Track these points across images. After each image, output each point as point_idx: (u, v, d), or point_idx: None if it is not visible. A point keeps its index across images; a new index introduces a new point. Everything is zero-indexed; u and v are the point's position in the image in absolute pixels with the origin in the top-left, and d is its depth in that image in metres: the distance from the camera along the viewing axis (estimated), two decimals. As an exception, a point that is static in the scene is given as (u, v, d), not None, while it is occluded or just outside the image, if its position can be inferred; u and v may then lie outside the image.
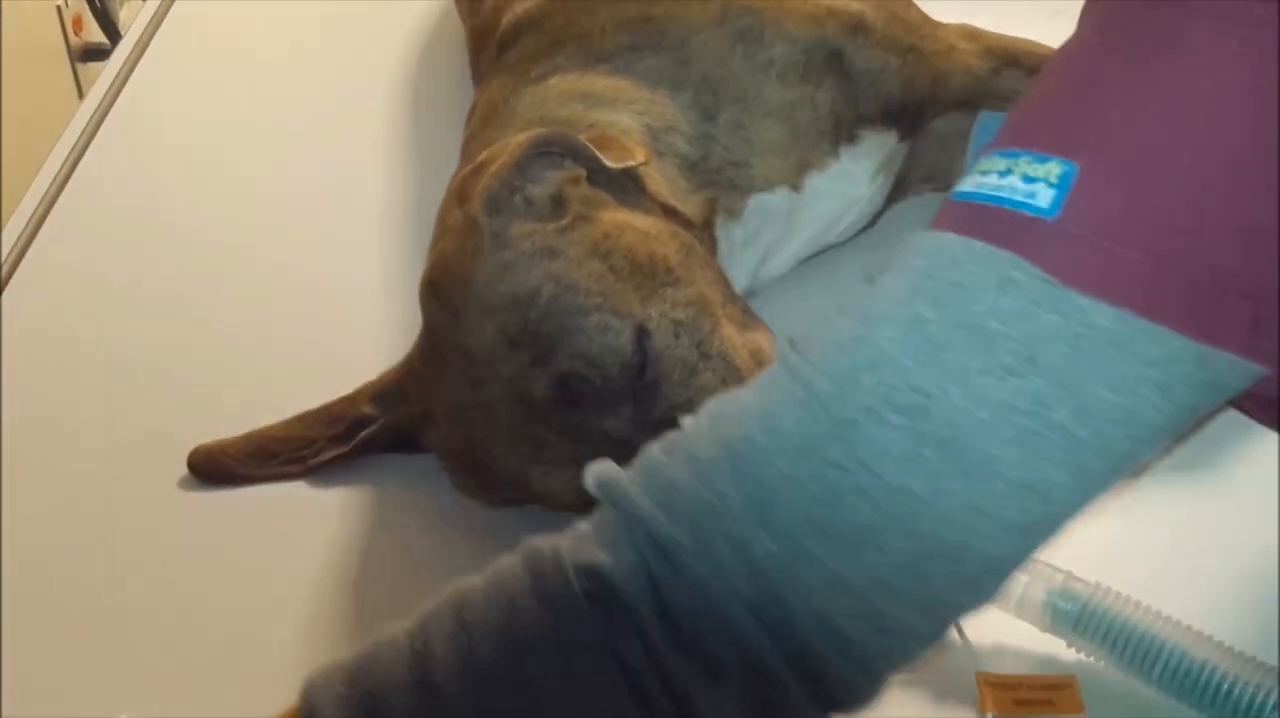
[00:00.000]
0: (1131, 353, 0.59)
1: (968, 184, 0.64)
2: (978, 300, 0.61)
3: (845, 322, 0.64)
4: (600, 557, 0.64)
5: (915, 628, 0.63)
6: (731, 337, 0.90)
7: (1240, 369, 0.61)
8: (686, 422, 0.67)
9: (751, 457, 0.62)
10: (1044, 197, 0.61)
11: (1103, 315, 0.59)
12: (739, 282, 1.02)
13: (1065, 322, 0.59)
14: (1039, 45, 1.17)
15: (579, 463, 0.86)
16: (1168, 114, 0.61)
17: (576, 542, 0.66)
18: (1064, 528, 0.62)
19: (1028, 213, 0.61)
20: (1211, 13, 0.61)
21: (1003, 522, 0.60)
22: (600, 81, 1.04)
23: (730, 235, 1.03)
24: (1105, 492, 0.62)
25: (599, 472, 0.68)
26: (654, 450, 0.67)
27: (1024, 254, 0.60)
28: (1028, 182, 0.61)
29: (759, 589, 0.61)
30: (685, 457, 0.65)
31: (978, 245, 0.61)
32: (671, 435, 0.67)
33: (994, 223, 0.62)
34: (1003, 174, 0.62)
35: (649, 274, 0.89)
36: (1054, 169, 0.61)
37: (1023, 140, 0.64)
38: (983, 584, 0.63)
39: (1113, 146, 0.61)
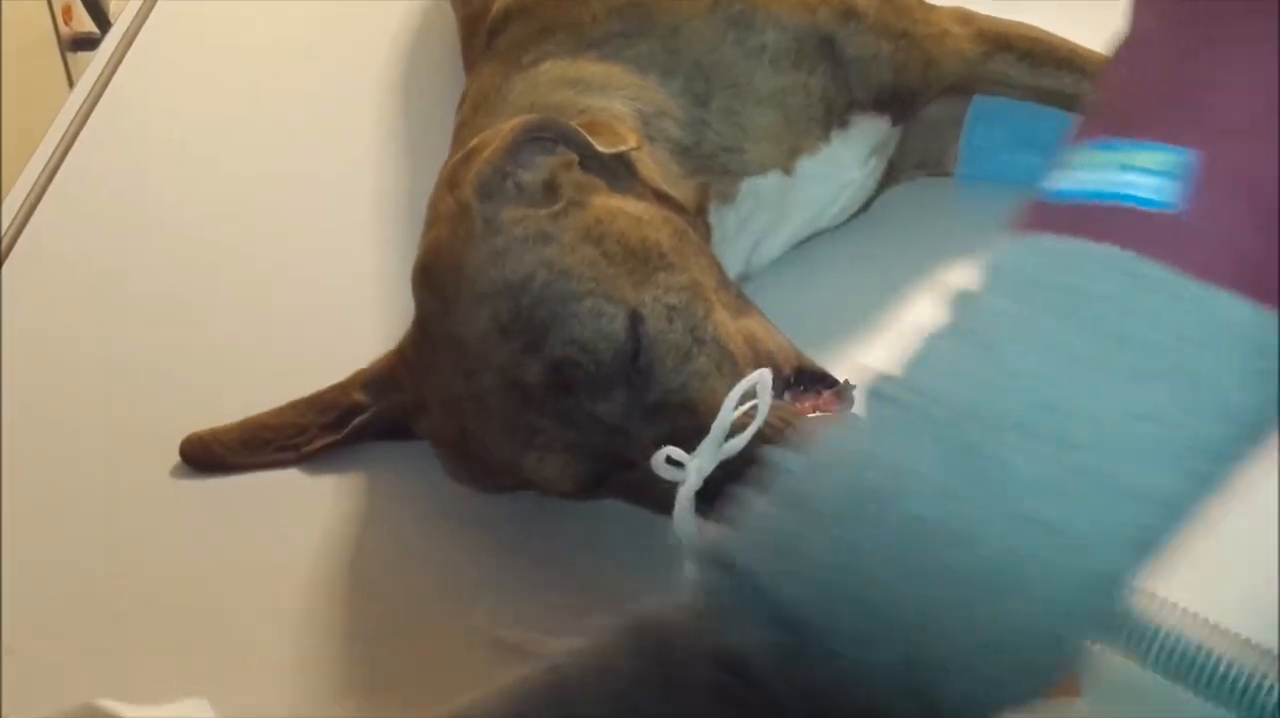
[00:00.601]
0: (1267, 350, 0.55)
1: (1064, 182, 0.59)
2: (1108, 306, 0.56)
3: (955, 346, 0.59)
4: (732, 640, 0.59)
5: (1045, 672, 0.60)
6: (725, 322, 0.89)
7: None
8: (781, 464, 0.63)
9: (881, 509, 0.58)
10: (1160, 189, 0.56)
11: (1239, 311, 0.55)
12: (732, 267, 1.02)
13: (1200, 320, 0.55)
14: (1032, 29, 1.17)
15: (572, 449, 0.87)
16: None
17: (691, 619, 0.61)
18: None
19: (1145, 207, 0.56)
20: None
21: (1133, 541, 0.57)
22: (591, 67, 1.04)
23: (724, 220, 1.03)
24: (1216, 496, 0.59)
25: (698, 534, 0.64)
26: (757, 502, 0.62)
27: (1148, 252, 0.56)
28: (1139, 174, 0.57)
29: (900, 657, 0.57)
30: (799, 512, 0.60)
31: (1095, 247, 0.57)
32: (771, 482, 0.62)
33: (1108, 221, 0.57)
34: (1107, 168, 0.58)
35: (642, 259, 0.88)
36: (1168, 159, 0.56)
37: (1125, 129, 0.58)
38: (1106, 608, 0.60)
39: (1229, 128, 0.56)
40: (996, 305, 0.59)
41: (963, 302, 0.61)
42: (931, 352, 0.61)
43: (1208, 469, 0.57)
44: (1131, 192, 0.57)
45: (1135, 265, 0.56)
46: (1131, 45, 0.63)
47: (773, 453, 0.64)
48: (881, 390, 0.61)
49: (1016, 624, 0.57)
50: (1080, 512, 0.56)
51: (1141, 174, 0.57)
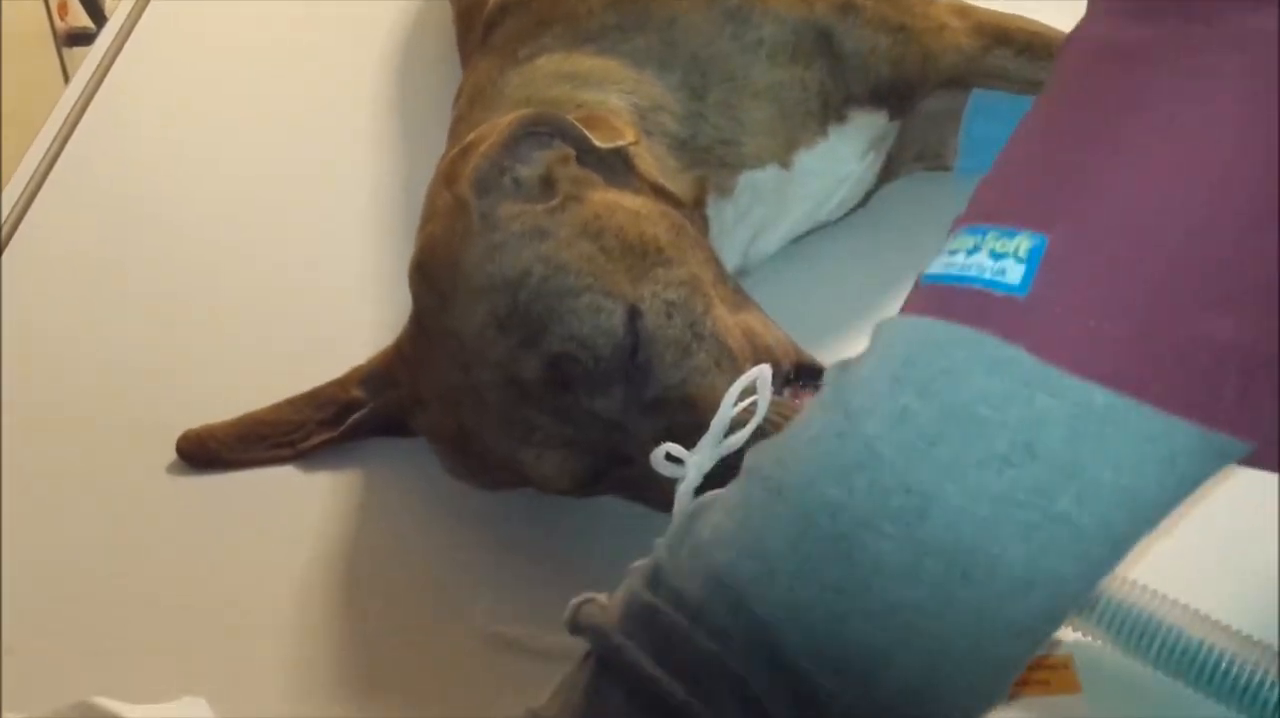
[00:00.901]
0: (1132, 431, 0.56)
1: (937, 266, 0.61)
2: (966, 386, 0.57)
3: (822, 418, 0.60)
4: None
5: None
6: (724, 317, 0.89)
7: (1237, 443, 0.57)
8: (661, 545, 0.63)
9: (745, 591, 0.58)
10: (1013, 273, 0.57)
11: (1097, 394, 0.55)
12: (730, 260, 1.02)
13: (1060, 403, 0.56)
14: (1030, 22, 1.16)
15: (570, 445, 0.87)
16: (1137, 178, 0.57)
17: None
18: (1069, 616, 0.59)
19: (997, 291, 0.57)
20: (1177, 71, 0.58)
21: (1010, 624, 0.57)
22: (587, 62, 1.03)
23: (722, 214, 1.03)
24: (1108, 573, 0.59)
25: (585, 621, 0.63)
26: (638, 587, 0.62)
27: (1001, 334, 0.57)
28: (995, 258, 0.58)
29: None
30: (674, 597, 0.60)
31: (956, 328, 0.58)
32: (652, 565, 0.63)
33: (965, 304, 0.58)
34: (970, 252, 0.59)
35: (640, 254, 0.88)
36: (1022, 243, 0.58)
37: (989, 216, 0.60)
38: (993, 690, 0.60)
39: (1082, 216, 0.58)
40: (870, 380, 0.60)
41: (841, 375, 0.62)
42: (803, 429, 0.61)
43: (1081, 549, 0.57)
44: (986, 275, 0.58)
45: (995, 348, 0.57)
46: (1016, 134, 0.65)
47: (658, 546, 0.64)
48: (753, 468, 0.62)
49: (884, 705, 0.57)
50: (948, 598, 0.56)
51: (997, 258, 0.58)
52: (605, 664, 0.61)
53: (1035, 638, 0.59)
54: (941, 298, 0.59)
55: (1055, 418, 0.56)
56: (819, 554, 0.57)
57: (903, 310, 0.62)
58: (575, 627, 0.63)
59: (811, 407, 0.62)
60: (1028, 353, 0.56)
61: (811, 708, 0.57)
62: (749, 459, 0.63)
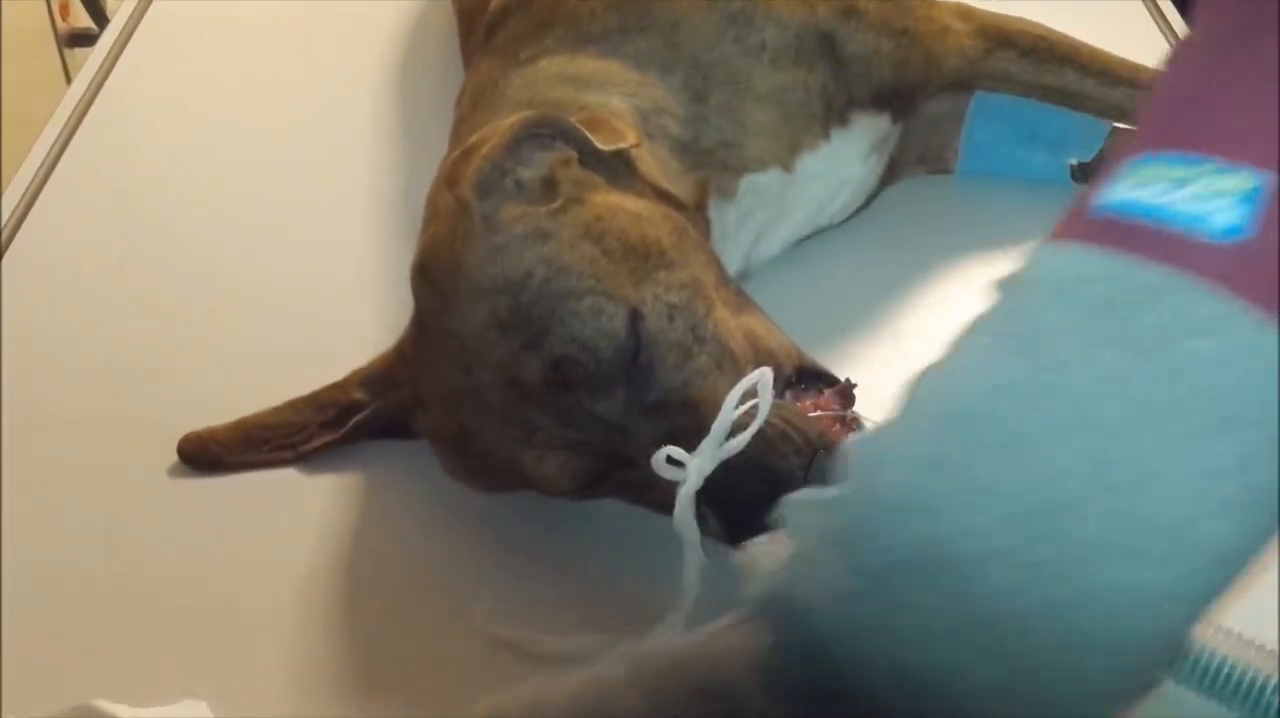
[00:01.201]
0: None
1: (1123, 193, 0.54)
2: (1184, 346, 0.51)
3: (1005, 356, 0.54)
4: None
5: None
6: (726, 320, 0.89)
7: None
8: (836, 495, 0.58)
9: (959, 571, 0.53)
10: (1231, 214, 0.51)
11: None
12: (732, 263, 1.01)
13: (1275, 366, 0.50)
14: (1034, 25, 1.17)
15: (572, 447, 0.87)
16: None
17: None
18: None
19: (1211, 235, 0.51)
20: None
21: (1199, 601, 0.53)
22: (589, 64, 1.03)
23: (724, 216, 1.03)
24: None
25: (793, 599, 0.57)
26: (835, 564, 0.56)
27: (1217, 284, 0.51)
28: (1209, 196, 0.51)
29: None
30: (871, 572, 0.55)
31: (1163, 273, 0.51)
32: (840, 526, 0.57)
33: (1172, 244, 0.52)
34: (1176, 184, 0.52)
35: (642, 257, 0.88)
36: (1243, 182, 0.51)
37: (1194, 143, 0.53)
38: (1160, 672, 0.55)
39: None
40: (1064, 324, 0.54)
41: (1012, 305, 0.56)
42: (983, 374, 0.55)
43: (1266, 521, 0.53)
44: (1199, 213, 0.52)
45: (1205, 303, 0.51)
46: (1199, 48, 0.58)
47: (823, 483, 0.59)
48: (937, 410, 0.56)
49: (1092, 690, 0.53)
50: (1152, 577, 0.51)
51: (1212, 197, 0.52)
52: (808, 651, 0.57)
53: (1200, 613, 0.54)
54: (1136, 233, 0.53)
55: (1269, 382, 0.51)
56: (1041, 533, 0.52)
57: (1076, 238, 0.55)
58: (770, 604, 0.59)
59: (978, 335, 0.56)
60: (1246, 309, 0.51)
61: (1015, 703, 0.53)
62: (921, 394, 0.57)
